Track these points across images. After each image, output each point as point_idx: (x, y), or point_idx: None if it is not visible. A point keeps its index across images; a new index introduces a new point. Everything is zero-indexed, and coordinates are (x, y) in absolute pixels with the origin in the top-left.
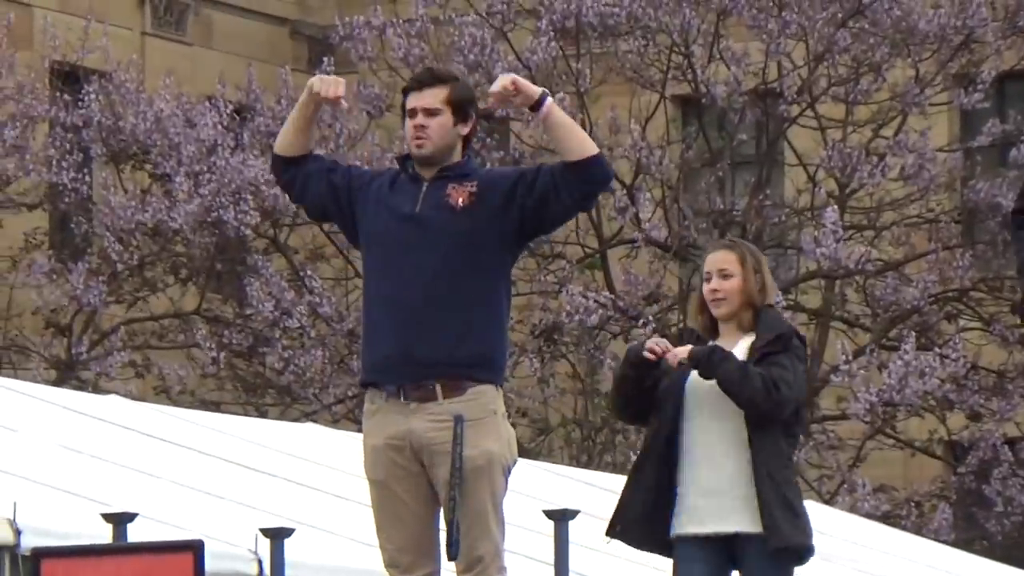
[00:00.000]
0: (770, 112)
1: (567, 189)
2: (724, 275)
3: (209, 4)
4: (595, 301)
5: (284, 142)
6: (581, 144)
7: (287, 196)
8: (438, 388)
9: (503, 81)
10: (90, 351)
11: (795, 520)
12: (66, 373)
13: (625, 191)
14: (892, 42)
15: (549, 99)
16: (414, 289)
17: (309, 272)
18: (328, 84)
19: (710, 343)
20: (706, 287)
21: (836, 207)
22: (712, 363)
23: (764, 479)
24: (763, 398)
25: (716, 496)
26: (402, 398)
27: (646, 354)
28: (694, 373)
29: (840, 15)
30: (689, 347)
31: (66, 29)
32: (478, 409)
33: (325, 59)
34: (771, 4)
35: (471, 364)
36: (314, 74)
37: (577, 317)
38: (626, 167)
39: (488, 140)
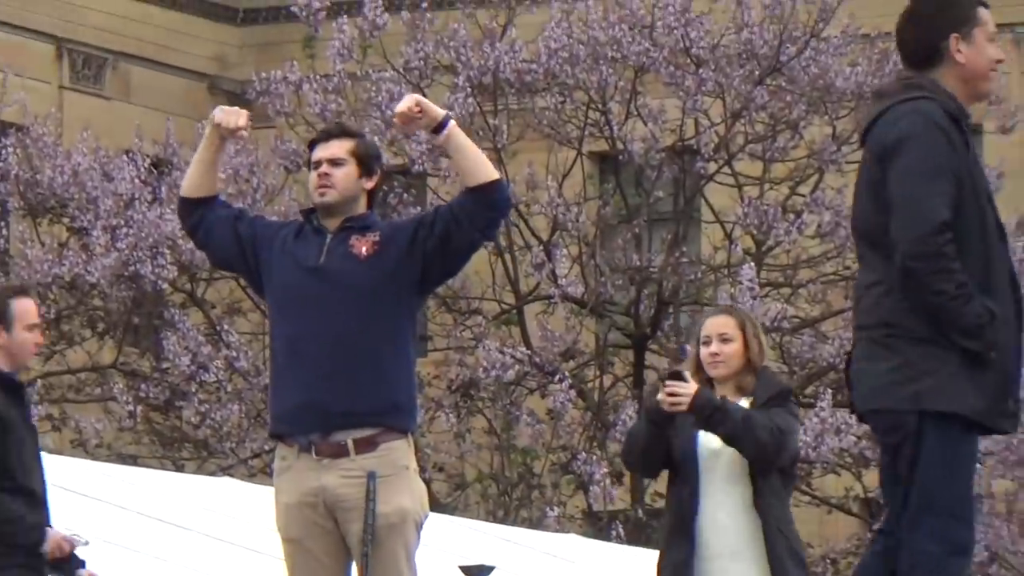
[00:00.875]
0: (687, 169)
1: (469, 217)
2: (724, 339)
3: (127, 58)
4: (512, 357)
5: (189, 183)
6: (483, 168)
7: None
8: (350, 444)
9: (408, 102)
10: None
11: (803, 571)
12: None
13: (542, 247)
14: (809, 100)
15: (452, 122)
16: (320, 339)
17: (226, 326)
18: (230, 115)
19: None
20: (704, 350)
21: (753, 264)
22: (714, 418)
23: (776, 535)
24: (768, 441)
25: (738, 559)
26: (314, 454)
27: (663, 399)
28: (704, 438)
29: (757, 73)
30: (694, 387)
31: None
32: (390, 465)
33: None
34: (688, 61)
35: (381, 412)
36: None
37: (494, 372)
38: (543, 223)
39: (404, 195)
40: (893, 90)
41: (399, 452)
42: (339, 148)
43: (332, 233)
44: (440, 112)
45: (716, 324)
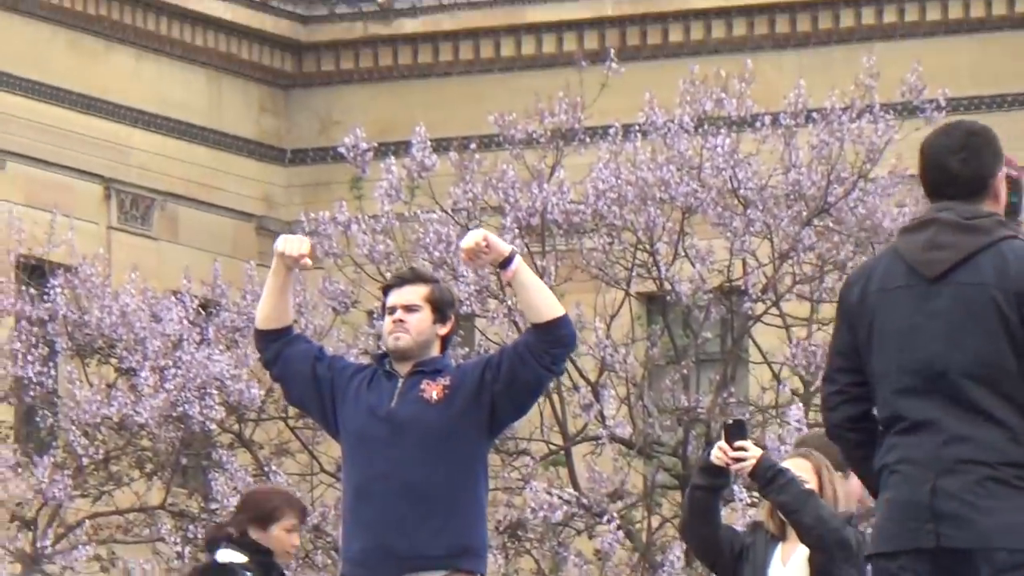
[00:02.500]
0: (735, 310)
1: (535, 354)
2: None
3: (175, 199)
4: (559, 498)
5: (262, 314)
6: (548, 304)
7: (254, 389)
8: None
9: (475, 236)
10: (55, 545)
11: None
12: (31, 567)
13: (590, 388)
14: (856, 240)
15: (518, 258)
16: (391, 483)
17: (274, 467)
18: (292, 243)
19: (779, 544)
20: None
21: (801, 405)
22: (775, 484)
23: None
24: (828, 519)
25: None
26: None
27: (714, 459)
28: (776, 566)
29: (805, 213)
30: (759, 453)
31: (32, 223)
32: None
33: None
34: (736, 202)
35: (452, 555)
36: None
37: (541, 513)
38: (591, 364)
39: (454, 338)
40: (986, 226)
41: None
42: (413, 294)
43: (403, 378)
44: (507, 247)
45: (792, 468)
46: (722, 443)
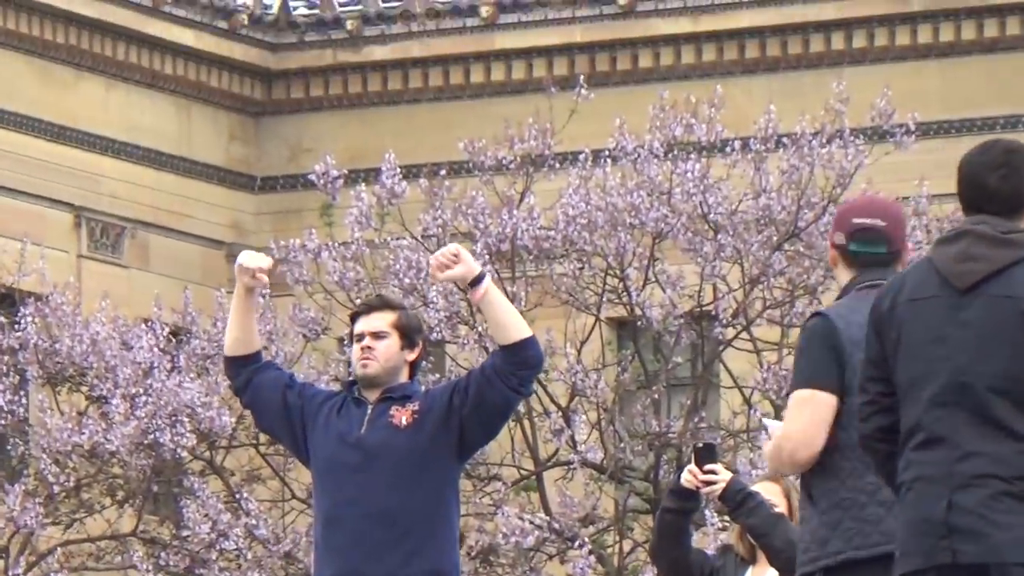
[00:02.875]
0: (705, 335)
1: (502, 376)
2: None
3: (145, 226)
4: (531, 523)
5: (230, 340)
6: (516, 326)
7: (225, 416)
8: None
9: (448, 249)
10: (27, 573)
11: None
12: None
13: (560, 413)
14: (827, 265)
15: (488, 277)
16: (361, 508)
17: (245, 494)
18: (251, 257)
19: (750, 568)
20: None
21: None
22: (745, 507)
23: None
24: (794, 547)
25: None
26: None
27: (684, 482)
28: None
29: (775, 238)
30: (729, 477)
31: (2, 252)
32: None
33: None
34: (706, 227)
35: None
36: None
37: (513, 539)
38: (562, 389)
39: (423, 363)
40: (1021, 240)
41: None
42: (381, 321)
43: (372, 404)
44: (477, 267)
45: (762, 491)
46: (692, 466)
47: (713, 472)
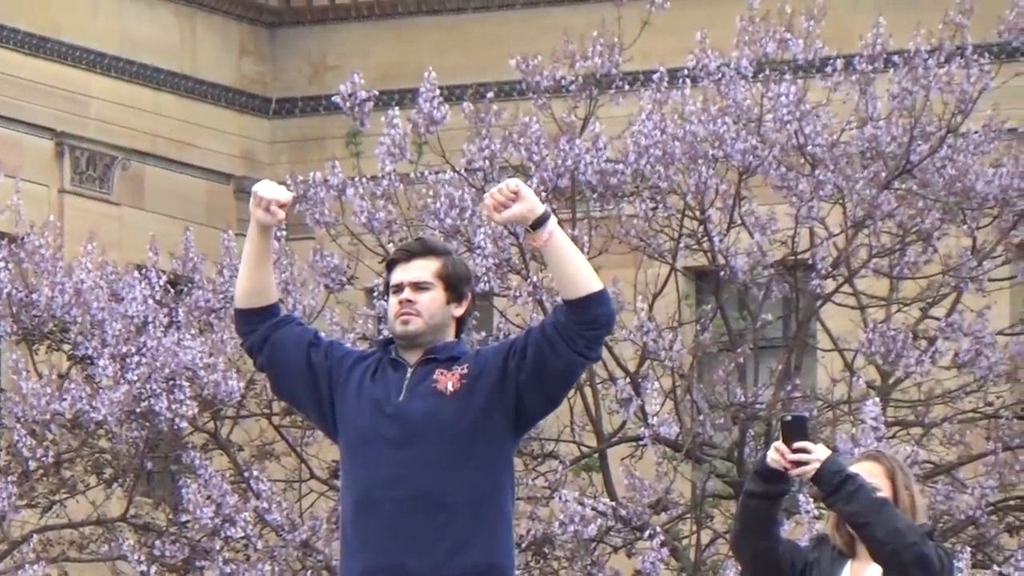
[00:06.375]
0: (800, 288)
1: (566, 337)
2: None
3: (139, 156)
4: (593, 509)
5: (242, 290)
6: (585, 278)
7: (232, 380)
8: None
9: (507, 184)
10: None
11: None
12: None
13: (629, 380)
14: (944, 206)
15: (553, 219)
16: (400, 491)
17: (255, 473)
18: (268, 187)
19: (848, 561)
20: None
21: (878, 400)
22: (842, 491)
23: None
24: (904, 532)
25: None
26: None
27: (771, 462)
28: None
29: (884, 175)
30: (824, 456)
31: None
32: None
33: None
34: (802, 161)
35: None
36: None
37: (572, 527)
38: (630, 352)
39: (471, 319)
40: None
41: None
42: (423, 269)
43: (413, 367)
44: (541, 206)
45: (861, 472)
46: (779, 443)
47: (804, 450)
